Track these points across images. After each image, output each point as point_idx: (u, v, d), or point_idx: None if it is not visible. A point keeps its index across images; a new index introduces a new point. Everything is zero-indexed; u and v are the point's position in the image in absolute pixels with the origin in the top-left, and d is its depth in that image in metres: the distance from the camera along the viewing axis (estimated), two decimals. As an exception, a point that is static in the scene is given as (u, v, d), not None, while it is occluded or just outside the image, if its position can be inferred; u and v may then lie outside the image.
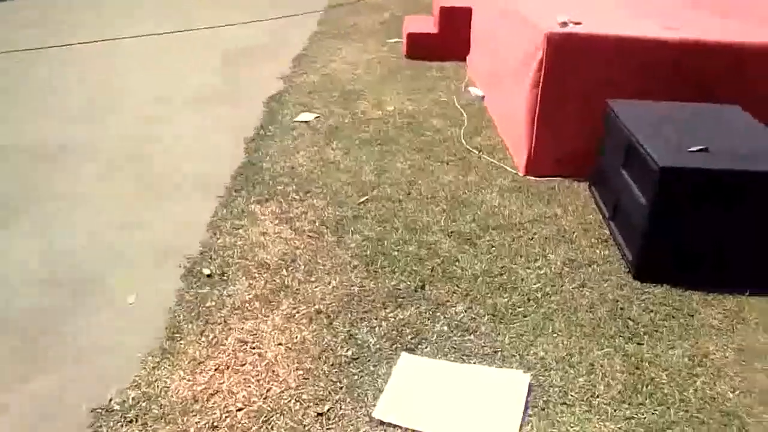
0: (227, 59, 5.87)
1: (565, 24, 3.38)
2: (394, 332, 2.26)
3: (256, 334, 2.24)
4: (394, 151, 3.81)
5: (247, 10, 7.99)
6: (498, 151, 3.81)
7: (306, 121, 4.28)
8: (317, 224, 2.99)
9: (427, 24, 6.16)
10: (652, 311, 2.40)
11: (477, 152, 3.78)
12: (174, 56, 6.00)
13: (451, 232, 2.92)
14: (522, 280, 2.58)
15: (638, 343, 2.23)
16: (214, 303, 2.41)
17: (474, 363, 2.12)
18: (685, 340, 2.25)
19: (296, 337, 2.22)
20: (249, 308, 2.38)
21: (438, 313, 2.36)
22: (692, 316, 2.39)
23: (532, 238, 2.89)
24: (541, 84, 3.34)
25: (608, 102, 3.13)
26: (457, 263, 2.69)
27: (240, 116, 4.42)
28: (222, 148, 3.90)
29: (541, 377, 2.05)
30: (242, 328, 2.27)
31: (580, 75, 3.31)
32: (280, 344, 2.19)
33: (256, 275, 2.59)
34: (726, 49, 3.32)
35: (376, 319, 2.33)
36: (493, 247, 2.81)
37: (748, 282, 2.53)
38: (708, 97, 3.24)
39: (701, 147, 2.56)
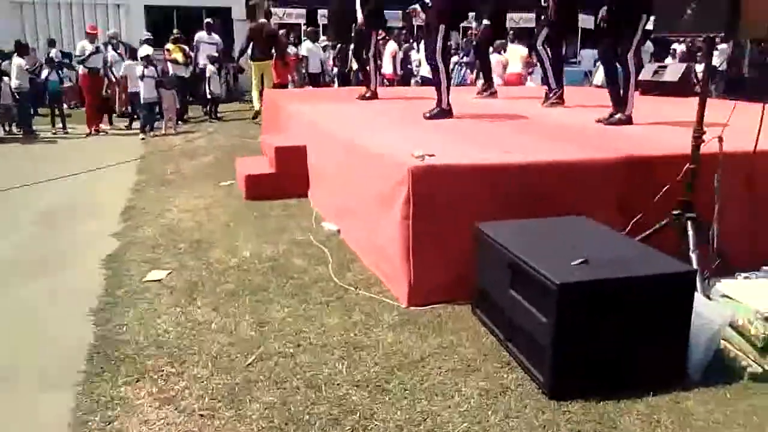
0: (45, 219, 5.29)
1: (421, 157, 3.53)
2: None
3: None
4: (267, 300, 3.58)
5: (57, 165, 7.39)
6: (374, 285, 3.76)
7: (158, 280, 3.90)
8: (207, 399, 2.63)
9: (261, 164, 6.15)
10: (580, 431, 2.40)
11: (354, 289, 3.69)
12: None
13: (358, 381, 2.73)
14: (447, 422, 2.45)
15: (584, 468, 2.19)
16: None
17: None
18: (622, 454, 2.26)
19: None
20: None
21: (378, 480, 2.14)
22: (615, 427, 2.43)
23: (440, 373, 2.81)
24: (411, 215, 3.40)
25: (478, 225, 3.27)
26: (375, 416, 2.49)
27: (75, 284, 3.92)
28: (62, 325, 3.38)
29: None
30: None
31: (446, 203, 3.45)
32: None
33: (153, 477, 2.17)
34: (556, 167, 3.69)
35: (313, 502, 2.04)
36: (405, 390, 2.67)
37: (650, 382, 2.66)
38: (554, 211, 3.51)
39: (582, 260, 2.72)
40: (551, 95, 6.63)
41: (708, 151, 3.45)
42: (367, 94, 7.49)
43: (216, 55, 13.30)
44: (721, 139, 3.36)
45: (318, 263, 4.12)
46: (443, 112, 5.49)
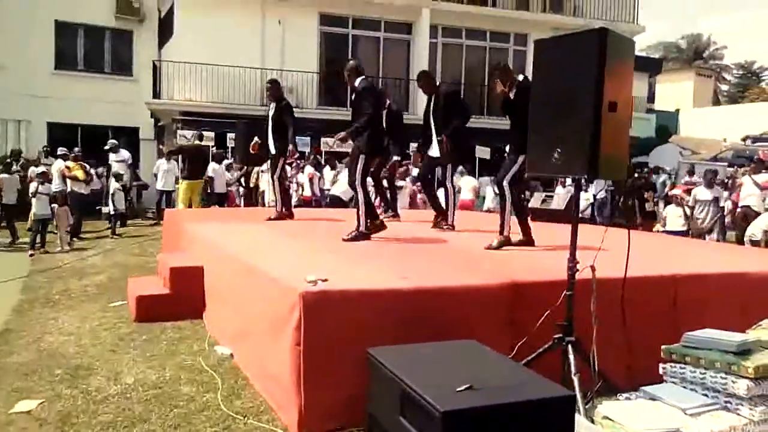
0: None
1: (314, 282, 3.56)
2: None
3: None
4: (147, 432, 3.37)
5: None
6: (264, 413, 3.62)
7: (27, 411, 3.59)
8: None
9: (155, 285, 5.96)
10: None
11: (242, 417, 3.54)
12: None
13: None
14: None
15: None
16: None
17: None
18: None
19: None
20: None
21: None
22: None
23: None
24: (302, 342, 3.37)
25: (369, 351, 3.27)
26: None
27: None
28: None
29: None
30: None
31: (339, 328, 3.45)
32: None
33: None
34: (447, 292, 3.82)
35: None
36: None
37: None
38: (445, 334, 3.58)
39: (467, 386, 2.77)
40: (440, 220, 7.05)
41: (584, 277, 3.69)
42: (273, 216, 7.67)
43: (121, 172, 13.22)
44: (593, 268, 3.61)
45: (207, 390, 3.94)
46: (361, 234, 5.74)
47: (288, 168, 10.91)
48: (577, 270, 3.65)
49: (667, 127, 29.43)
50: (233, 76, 16.90)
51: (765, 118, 27.46)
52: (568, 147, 3.44)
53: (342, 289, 3.53)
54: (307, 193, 13.67)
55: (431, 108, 6.75)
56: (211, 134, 15.31)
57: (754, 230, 9.94)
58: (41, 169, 11.50)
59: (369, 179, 6.55)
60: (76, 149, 12.99)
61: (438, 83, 7.08)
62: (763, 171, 11.49)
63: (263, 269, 4.18)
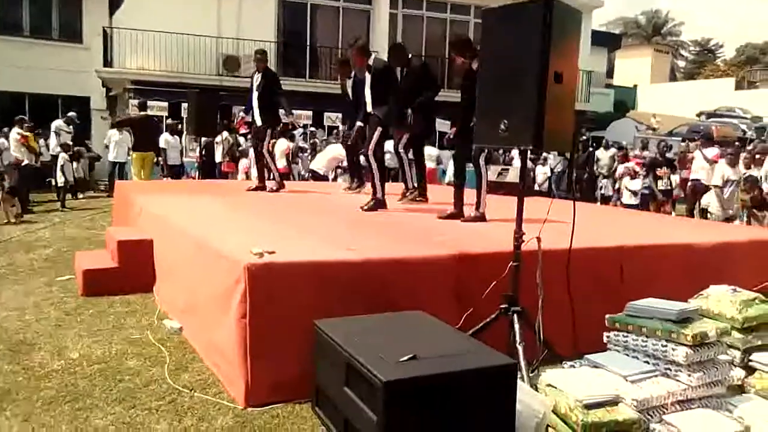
0: None
1: (261, 255, 3.52)
2: None
3: None
4: (90, 407, 3.29)
5: None
6: (212, 386, 3.59)
7: (-36, 389, 3.49)
8: None
9: (103, 258, 5.83)
10: None
11: (188, 391, 3.50)
12: None
13: (179, 494, 2.55)
14: None
15: None
16: None
17: None
18: None
19: None
20: None
21: None
22: None
23: (270, 479, 2.69)
24: (248, 314, 3.34)
25: (316, 323, 3.25)
26: None
27: None
28: None
29: None
30: None
31: (285, 300, 3.43)
32: None
33: None
34: (394, 263, 3.82)
35: None
36: (230, 500, 2.53)
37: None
38: (393, 305, 3.59)
39: (410, 356, 2.78)
40: (408, 194, 7.05)
41: (531, 248, 3.73)
42: (256, 183, 7.94)
43: (70, 143, 12.82)
44: (539, 239, 3.66)
45: (153, 364, 3.89)
46: (378, 202, 5.99)
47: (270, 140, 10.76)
48: (523, 241, 3.68)
49: (625, 102, 29.94)
50: (188, 44, 16.45)
51: (719, 95, 28.14)
52: (514, 118, 3.44)
53: (288, 261, 3.50)
54: (281, 165, 13.44)
55: (401, 81, 6.72)
56: (165, 104, 14.93)
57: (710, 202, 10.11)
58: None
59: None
60: (23, 118, 12.55)
61: (410, 56, 7.08)
62: (714, 146, 11.82)
63: (210, 242, 4.12)
